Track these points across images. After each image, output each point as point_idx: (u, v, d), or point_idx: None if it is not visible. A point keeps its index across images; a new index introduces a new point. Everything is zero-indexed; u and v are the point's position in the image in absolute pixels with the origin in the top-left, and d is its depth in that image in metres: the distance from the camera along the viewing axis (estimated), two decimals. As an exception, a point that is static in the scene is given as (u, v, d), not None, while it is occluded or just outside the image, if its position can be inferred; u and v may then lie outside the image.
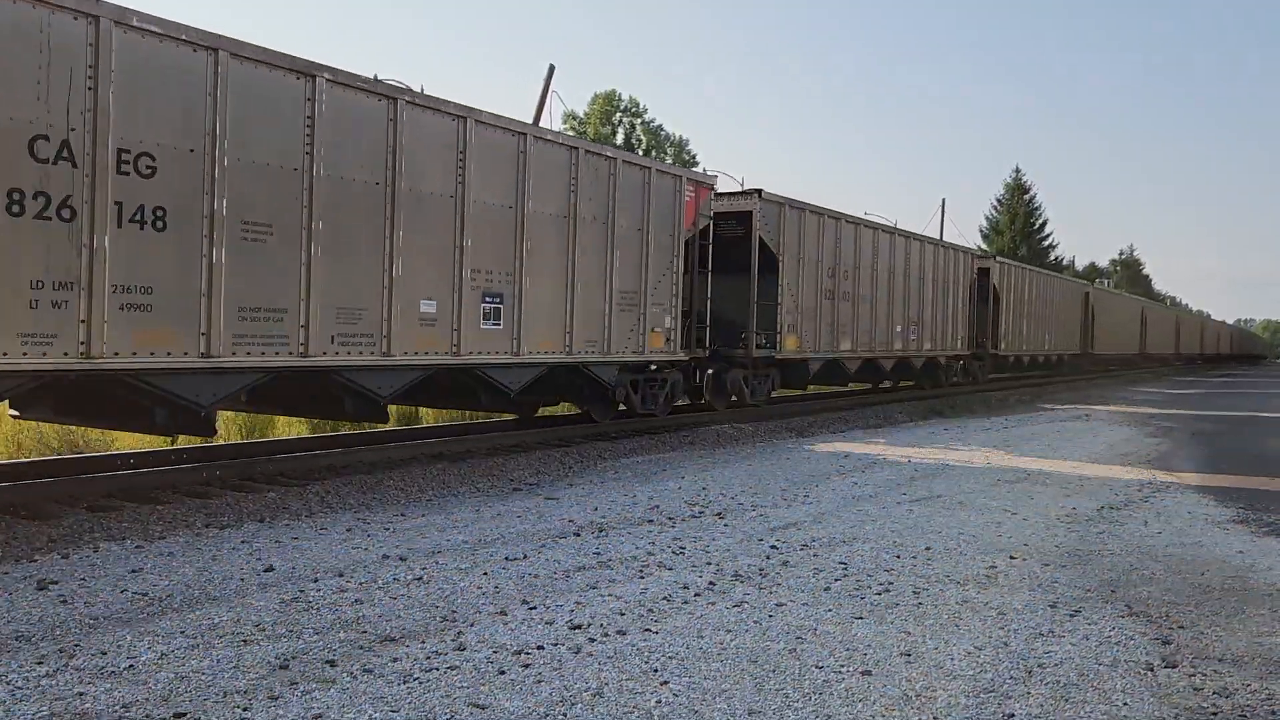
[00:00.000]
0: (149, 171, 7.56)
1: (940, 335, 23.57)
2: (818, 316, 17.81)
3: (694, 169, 16.20)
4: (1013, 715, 4.25)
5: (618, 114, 67.13)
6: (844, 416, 18.27)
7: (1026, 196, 69.64)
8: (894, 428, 17.41)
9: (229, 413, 11.95)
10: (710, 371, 15.80)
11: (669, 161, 61.60)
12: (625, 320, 12.81)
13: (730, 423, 15.53)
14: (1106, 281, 61.94)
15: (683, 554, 7.01)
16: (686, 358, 14.24)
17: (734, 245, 16.22)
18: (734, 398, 16.36)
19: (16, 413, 9.18)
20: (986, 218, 70.68)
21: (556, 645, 4.95)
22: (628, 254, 12.80)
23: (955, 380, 25.67)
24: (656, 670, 4.65)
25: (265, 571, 6.17)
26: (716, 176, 15.04)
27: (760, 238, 16.21)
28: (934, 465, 12.30)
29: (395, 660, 4.66)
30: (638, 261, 12.99)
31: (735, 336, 16.01)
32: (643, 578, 6.32)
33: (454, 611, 5.46)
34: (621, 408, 13.78)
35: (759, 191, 16.38)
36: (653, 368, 13.91)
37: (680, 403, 15.74)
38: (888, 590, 6.20)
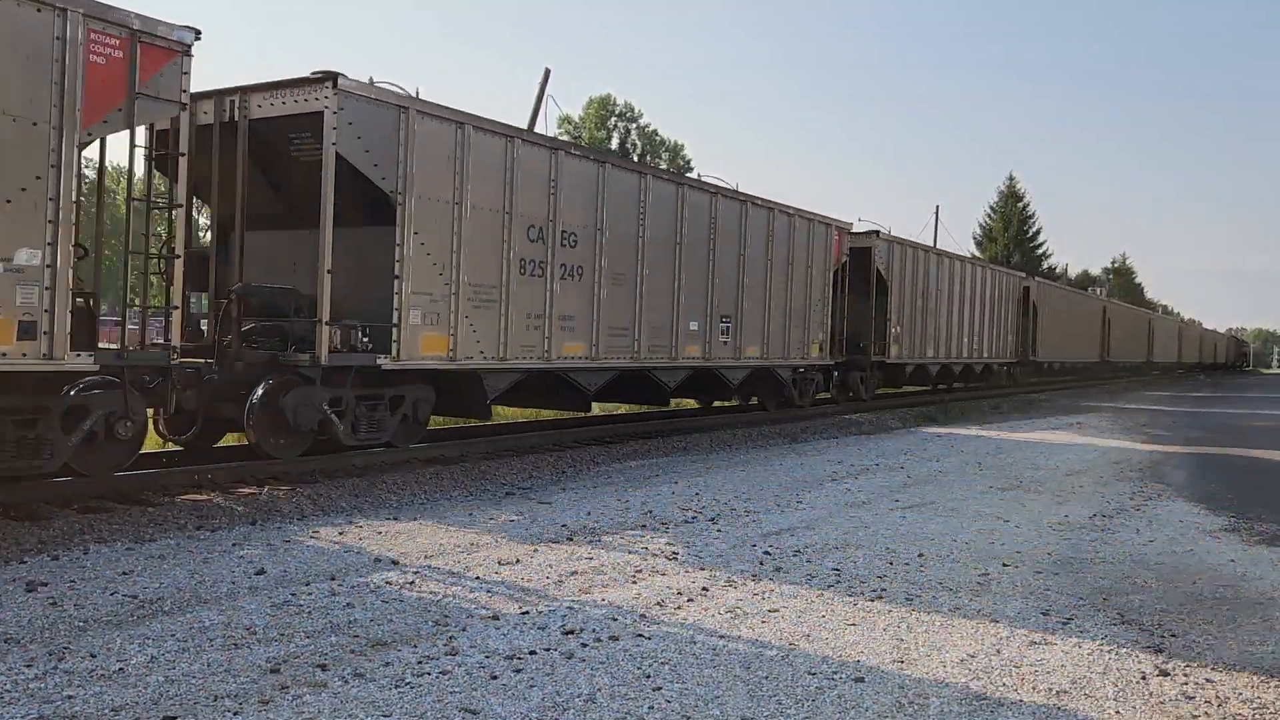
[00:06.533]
0: None
1: (781, 338, 16.93)
2: (505, 302, 11.26)
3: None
4: (1005, 723, 4.25)
5: (613, 118, 67.19)
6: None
7: (1020, 204, 69.93)
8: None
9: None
10: (259, 393, 9.28)
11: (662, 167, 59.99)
12: None
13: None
14: (1100, 290, 60.99)
15: (676, 559, 7.00)
16: (73, 368, 7.39)
17: (300, 171, 10.10)
18: (321, 438, 9.86)
19: None
20: (980, 225, 70.99)
21: (549, 650, 4.93)
22: None
23: (825, 397, 19.83)
24: (649, 676, 4.64)
25: (257, 574, 6.15)
26: (193, 32, 7.92)
27: (340, 157, 9.46)
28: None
29: (387, 664, 4.64)
30: None
31: (307, 331, 9.80)
32: (635, 583, 6.31)
33: (446, 616, 5.45)
34: None
35: (334, 78, 9.36)
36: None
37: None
38: (880, 597, 6.21)
